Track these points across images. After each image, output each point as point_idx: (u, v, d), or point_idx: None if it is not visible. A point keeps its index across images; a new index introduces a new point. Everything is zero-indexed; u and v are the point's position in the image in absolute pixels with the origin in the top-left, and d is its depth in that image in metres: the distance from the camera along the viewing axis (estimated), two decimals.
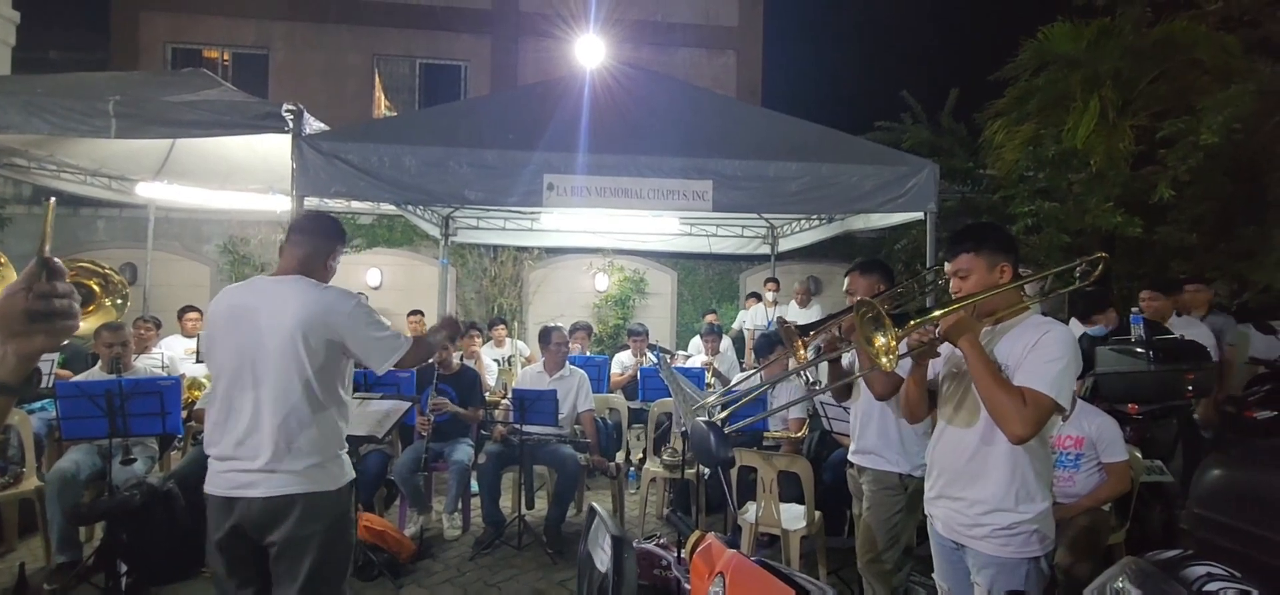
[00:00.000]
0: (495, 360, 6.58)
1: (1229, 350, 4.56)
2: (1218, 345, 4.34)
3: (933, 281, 2.90)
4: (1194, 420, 4.34)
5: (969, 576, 2.05)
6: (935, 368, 2.18)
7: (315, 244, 2.32)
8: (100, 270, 6.32)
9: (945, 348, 2.02)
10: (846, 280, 2.92)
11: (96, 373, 4.12)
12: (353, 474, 2.33)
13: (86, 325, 5.94)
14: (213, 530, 2.19)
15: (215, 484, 2.17)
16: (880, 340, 1.84)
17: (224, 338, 2.20)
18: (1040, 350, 1.88)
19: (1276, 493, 2.32)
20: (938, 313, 1.94)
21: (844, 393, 3.04)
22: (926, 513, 2.23)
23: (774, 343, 4.46)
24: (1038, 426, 1.84)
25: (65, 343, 0.97)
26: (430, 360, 3.94)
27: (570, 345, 5.30)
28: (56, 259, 0.94)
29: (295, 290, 2.21)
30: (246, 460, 2.13)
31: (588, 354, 6.57)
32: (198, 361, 5.53)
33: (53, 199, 1.06)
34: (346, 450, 2.32)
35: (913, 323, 1.92)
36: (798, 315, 7.90)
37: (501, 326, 7.24)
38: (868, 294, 2.71)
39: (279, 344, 2.13)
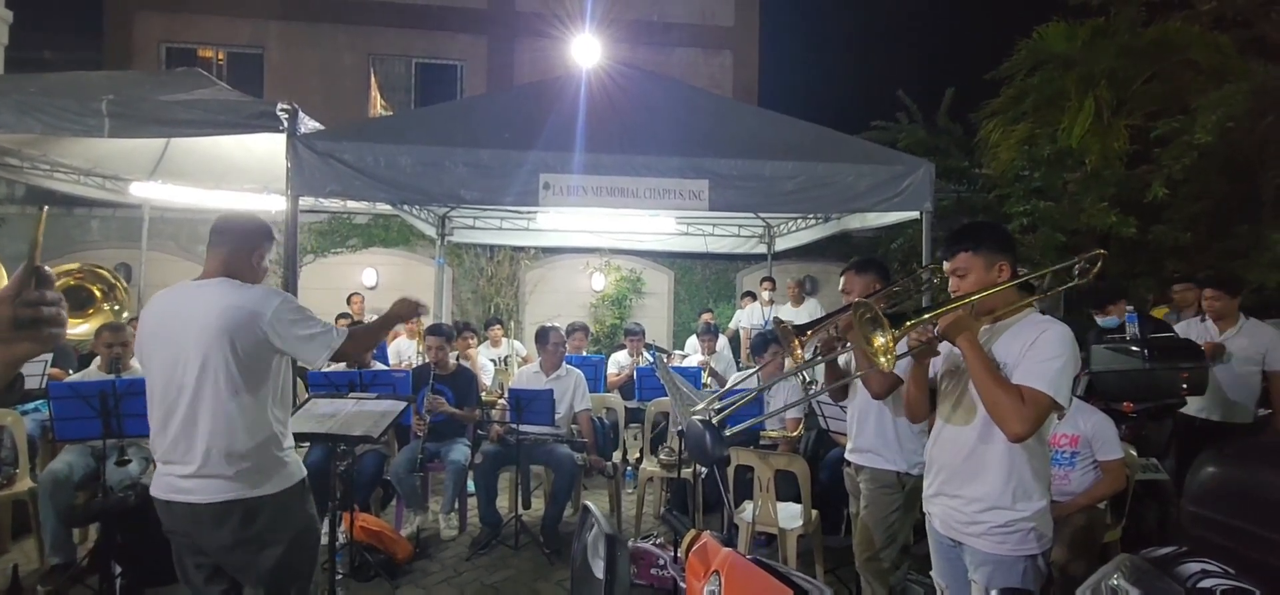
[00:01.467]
0: (491, 360, 6.56)
1: None
2: None
3: (928, 281, 2.90)
4: (1189, 418, 4.33)
5: (967, 574, 2.05)
6: (935, 366, 2.18)
7: (235, 244, 2.28)
8: (108, 279, 6.28)
9: (944, 346, 2.02)
10: (842, 279, 2.92)
11: (93, 373, 4.09)
12: (302, 474, 2.31)
13: (85, 327, 5.92)
14: (166, 531, 2.20)
15: (156, 486, 2.18)
16: (878, 340, 1.84)
17: (154, 345, 2.19)
18: (1038, 349, 1.89)
19: (1271, 490, 2.33)
20: (936, 311, 1.94)
21: (840, 392, 3.04)
22: (925, 510, 2.24)
23: (769, 341, 4.46)
24: (1036, 424, 1.84)
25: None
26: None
27: (567, 345, 5.29)
28: (46, 268, 0.95)
29: (218, 293, 2.18)
30: (180, 465, 2.13)
31: (584, 354, 6.56)
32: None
33: (46, 207, 1.07)
34: (290, 450, 2.29)
35: (909, 322, 1.92)
36: (791, 314, 7.90)
37: (498, 326, 7.23)
38: (864, 293, 2.71)
39: (205, 349, 2.10)
